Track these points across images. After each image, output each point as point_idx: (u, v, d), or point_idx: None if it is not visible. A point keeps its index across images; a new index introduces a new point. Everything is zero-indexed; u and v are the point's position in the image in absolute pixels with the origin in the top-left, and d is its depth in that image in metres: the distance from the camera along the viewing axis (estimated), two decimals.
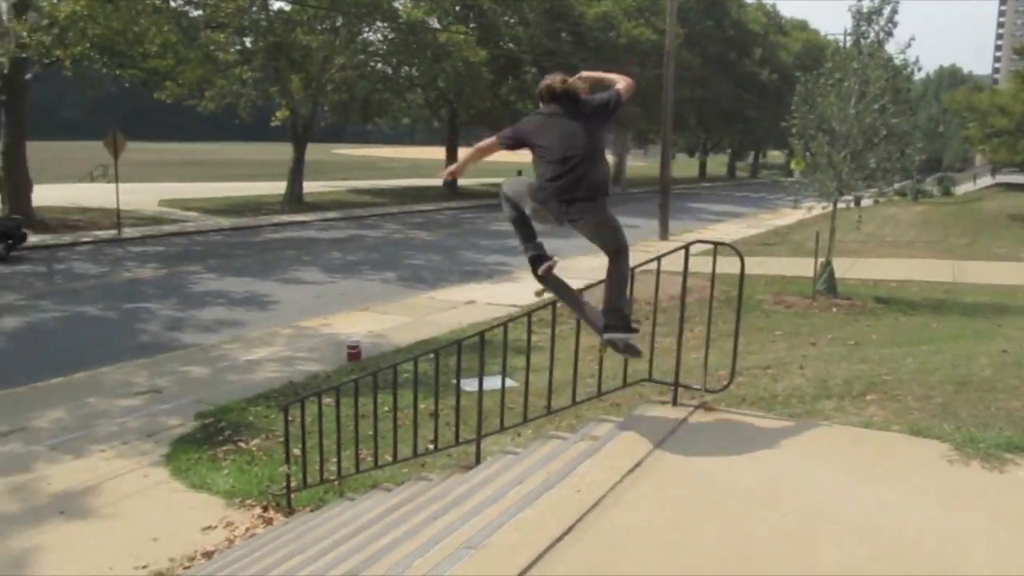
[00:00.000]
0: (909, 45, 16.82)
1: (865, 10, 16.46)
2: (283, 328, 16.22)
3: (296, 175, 43.46)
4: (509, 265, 24.77)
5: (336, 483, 8.04)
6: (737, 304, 6.12)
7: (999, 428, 5.44)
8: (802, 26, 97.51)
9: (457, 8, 52.80)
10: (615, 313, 5.72)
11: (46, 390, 12.31)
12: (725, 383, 6.44)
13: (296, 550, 6.06)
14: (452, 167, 6.68)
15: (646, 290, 6.40)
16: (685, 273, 6.09)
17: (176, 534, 7.75)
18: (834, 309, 15.69)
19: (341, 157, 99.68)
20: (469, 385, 8.06)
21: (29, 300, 19.29)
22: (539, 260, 6.12)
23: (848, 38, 17.66)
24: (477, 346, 6.88)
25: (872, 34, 16.41)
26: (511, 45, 55.11)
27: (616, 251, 5.83)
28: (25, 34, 27.66)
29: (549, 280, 6.14)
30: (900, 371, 8.34)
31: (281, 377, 12.63)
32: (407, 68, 49.75)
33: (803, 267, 19.15)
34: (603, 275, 6.00)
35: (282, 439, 9.29)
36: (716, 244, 6.14)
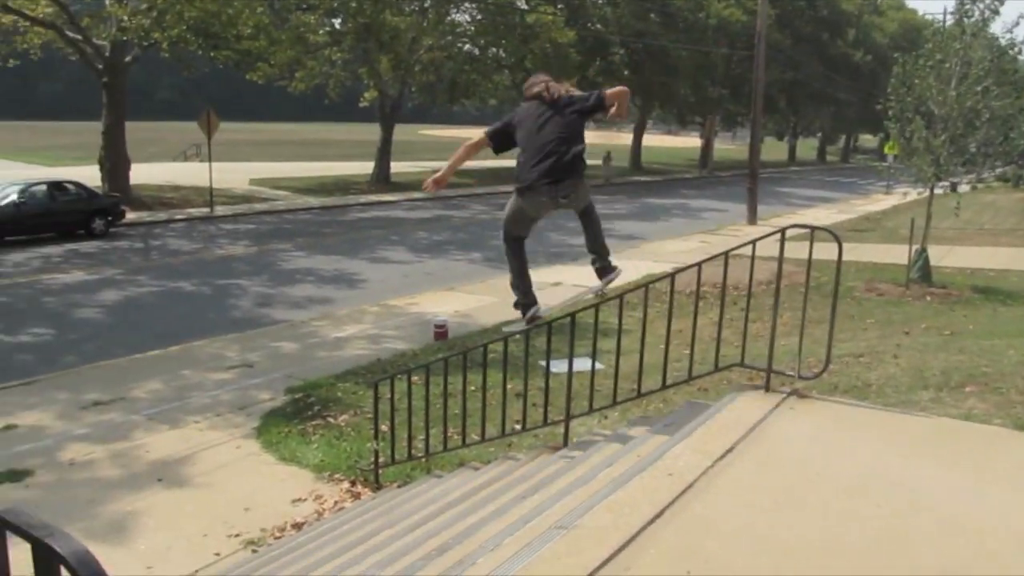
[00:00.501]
0: (1017, 24, 16.17)
1: None
2: (371, 306, 16.43)
3: (384, 155, 43.89)
4: None
5: (423, 460, 8.12)
6: (834, 290, 6.01)
7: None
8: (898, 5, 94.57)
9: None
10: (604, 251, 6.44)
11: (143, 362, 12.68)
12: (819, 370, 6.32)
13: (384, 524, 6.14)
14: (437, 174, 6.62)
15: (734, 275, 6.29)
16: (781, 258, 5.98)
17: (267, 505, 7.91)
18: (928, 298, 15.28)
19: (428, 138, 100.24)
20: (556, 366, 8.06)
21: (127, 275, 19.88)
22: (525, 309, 6.56)
23: (950, 17, 17.09)
24: (563, 327, 6.87)
25: (976, 13, 15.83)
26: (599, 26, 54.68)
27: (589, 207, 6.38)
28: (125, 18, 28.43)
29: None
30: (1001, 363, 8.10)
31: (369, 354, 12.79)
32: (494, 49, 49.76)
33: (896, 254, 18.68)
34: (689, 258, 6.03)
35: (370, 415, 9.42)
36: (813, 229, 6.01)
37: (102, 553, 2.47)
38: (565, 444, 6.80)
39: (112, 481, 8.46)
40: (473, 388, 8.00)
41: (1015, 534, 4.04)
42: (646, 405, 8.54)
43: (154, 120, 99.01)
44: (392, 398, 7.94)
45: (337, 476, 8.41)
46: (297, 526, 7.46)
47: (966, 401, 6.25)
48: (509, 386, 7.81)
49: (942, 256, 19.48)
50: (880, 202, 39.50)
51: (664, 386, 6.65)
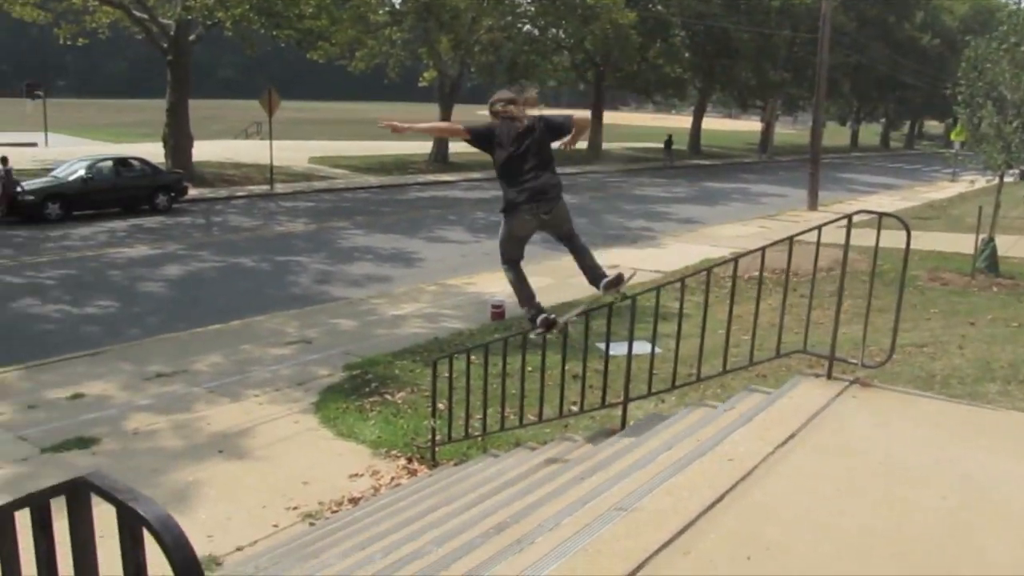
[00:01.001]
0: None
1: None
2: (428, 285, 16.51)
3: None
4: (653, 231, 24.57)
5: (480, 439, 8.15)
6: (900, 278, 5.91)
7: None
8: None
9: None
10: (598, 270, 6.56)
11: (205, 336, 12.88)
12: (882, 359, 6.22)
13: (441, 501, 6.18)
14: (403, 124, 6.56)
15: (793, 261, 6.21)
16: (847, 244, 5.91)
17: (324, 479, 8.00)
18: (995, 289, 14.94)
19: (486, 118, 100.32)
20: (614, 349, 8.03)
21: (189, 250, 20.19)
22: (536, 316, 6.75)
23: None
24: (622, 310, 6.84)
25: None
26: (660, 7, 54.11)
27: (572, 232, 6.65)
28: None
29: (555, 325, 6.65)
30: None
31: (426, 333, 12.86)
32: (554, 30, 49.52)
33: (962, 243, 18.31)
34: (748, 243, 6.05)
35: (427, 393, 9.47)
36: (881, 215, 5.91)
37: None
38: (623, 427, 6.79)
39: (174, 451, 8.62)
40: (531, 369, 8.01)
41: None
42: (704, 390, 8.48)
43: (216, 98, 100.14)
44: (450, 377, 7.97)
45: (394, 453, 8.48)
46: (354, 501, 7.54)
47: None
48: (566, 367, 7.80)
49: (1010, 246, 19.03)
50: (945, 190, 38.69)
51: (724, 371, 6.60)
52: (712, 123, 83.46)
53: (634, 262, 18.63)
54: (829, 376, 5.99)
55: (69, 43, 33.98)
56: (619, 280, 6.43)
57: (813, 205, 29.89)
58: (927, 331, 11.48)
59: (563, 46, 51.90)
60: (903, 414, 5.46)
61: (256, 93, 33.92)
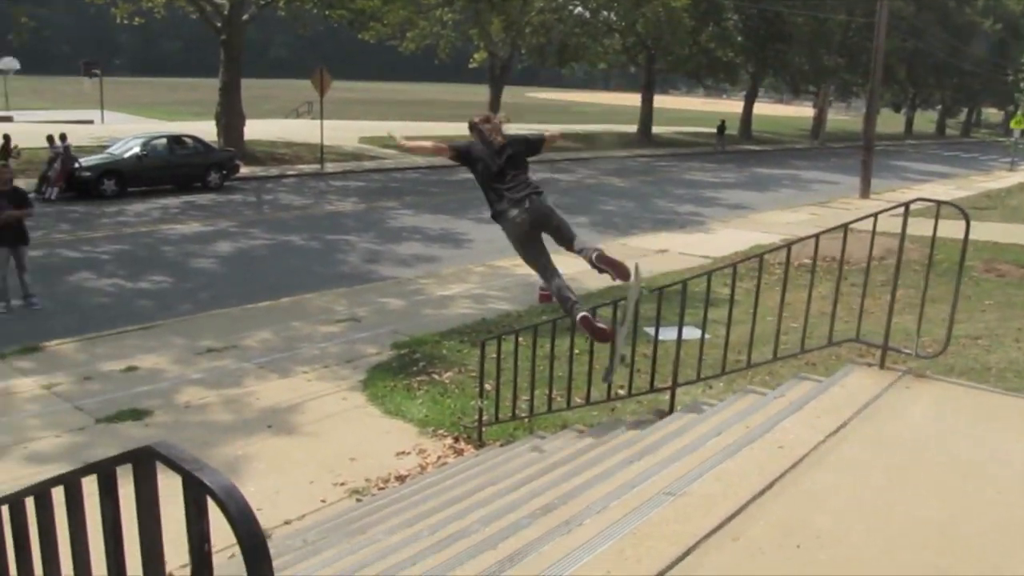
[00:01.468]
0: None
1: None
2: (476, 266, 16.54)
3: None
4: (702, 216, 24.39)
5: (526, 420, 8.17)
6: (959, 268, 5.81)
7: None
8: None
9: None
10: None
11: (255, 312, 13.03)
12: (937, 350, 6.13)
13: (487, 481, 6.20)
14: (411, 143, 7.49)
15: (847, 249, 6.12)
16: (903, 232, 5.83)
17: (371, 456, 8.06)
18: None
19: (535, 100, 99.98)
20: (662, 334, 7.99)
21: (240, 227, 20.42)
22: (573, 309, 6.97)
23: None
24: (671, 295, 6.81)
25: None
26: None
27: (572, 235, 6.78)
28: None
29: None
30: None
31: (474, 314, 12.89)
32: (606, 13, 49.22)
33: (1019, 234, 18.00)
34: (798, 229, 6.05)
35: (474, 374, 9.51)
36: (939, 203, 5.81)
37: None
38: (671, 411, 6.77)
39: (224, 425, 8.75)
40: (578, 351, 7.99)
41: None
42: (752, 376, 8.43)
43: (268, 78, 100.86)
44: (498, 358, 7.98)
45: (441, 432, 8.52)
46: (401, 478, 7.60)
47: None
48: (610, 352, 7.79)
49: None
50: (1003, 179, 37.94)
51: (775, 357, 6.54)
52: (763, 108, 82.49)
53: (683, 247, 18.57)
54: (882, 366, 5.92)
55: (126, 22, 34.42)
56: (617, 266, 6.49)
57: (865, 193, 29.47)
58: (982, 323, 11.29)
59: (614, 28, 51.56)
60: (958, 406, 5.39)
61: (307, 73, 34.11)
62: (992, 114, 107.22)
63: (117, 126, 44.95)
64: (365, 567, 4.67)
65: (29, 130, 33.02)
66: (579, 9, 48.36)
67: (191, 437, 8.34)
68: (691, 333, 7.86)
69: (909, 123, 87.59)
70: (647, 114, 53.80)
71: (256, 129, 37.76)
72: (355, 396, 9.59)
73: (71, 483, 2.03)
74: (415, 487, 7.03)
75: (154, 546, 1.80)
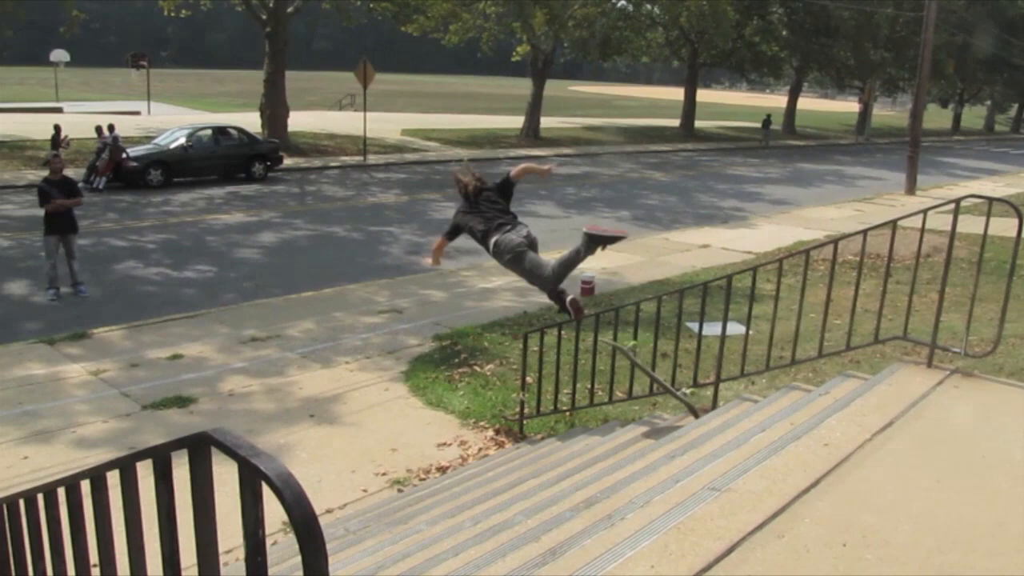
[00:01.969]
0: None
1: None
2: None
3: (534, 110, 43.89)
4: (745, 211, 24.20)
5: (568, 414, 8.16)
6: (1010, 266, 5.71)
7: None
8: None
9: None
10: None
11: (298, 302, 13.13)
12: (986, 349, 6.03)
13: (529, 474, 6.20)
14: (435, 250, 7.97)
15: (887, 246, 6.04)
16: (953, 229, 5.75)
17: (413, 447, 8.09)
18: None
19: (577, 94, 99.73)
20: (705, 329, 7.96)
21: (284, 218, 20.57)
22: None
23: None
24: (709, 289, 6.76)
25: None
26: None
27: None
28: None
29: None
30: None
31: (515, 307, 12.88)
32: (649, 6, 48.91)
33: None
34: (842, 226, 5.96)
35: (515, 366, 9.53)
36: (991, 200, 5.71)
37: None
38: (714, 406, 6.72)
39: (267, 414, 8.82)
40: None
41: None
42: (795, 373, 8.36)
43: (312, 70, 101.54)
44: (541, 350, 7.98)
45: (482, 424, 8.54)
46: (442, 469, 7.62)
47: None
48: (654, 346, 7.77)
49: None
50: None
51: (820, 354, 6.48)
52: (807, 103, 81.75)
53: (725, 242, 18.45)
54: (929, 364, 5.83)
55: (173, 15, 34.77)
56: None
57: (911, 189, 29.06)
58: None
59: (657, 22, 51.27)
60: (1007, 406, 5.30)
61: (350, 65, 34.28)
62: None
63: (163, 117, 45.47)
64: (407, 557, 4.68)
65: (78, 121, 33.51)
66: (622, 2, 48.10)
67: (234, 425, 8.41)
68: (733, 329, 7.80)
69: (957, 119, 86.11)
70: (690, 108, 53.43)
71: (299, 121, 37.99)
72: (397, 387, 9.63)
73: (126, 467, 2.05)
74: (456, 478, 7.04)
75: (208, 530, 1.82)
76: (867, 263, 10.90)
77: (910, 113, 32.79)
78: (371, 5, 34.25)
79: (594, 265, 15.45)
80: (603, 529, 3.91)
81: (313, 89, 70.30)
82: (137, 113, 48.35)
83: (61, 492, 2.55)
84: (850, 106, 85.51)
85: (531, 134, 43.41)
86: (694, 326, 9.22)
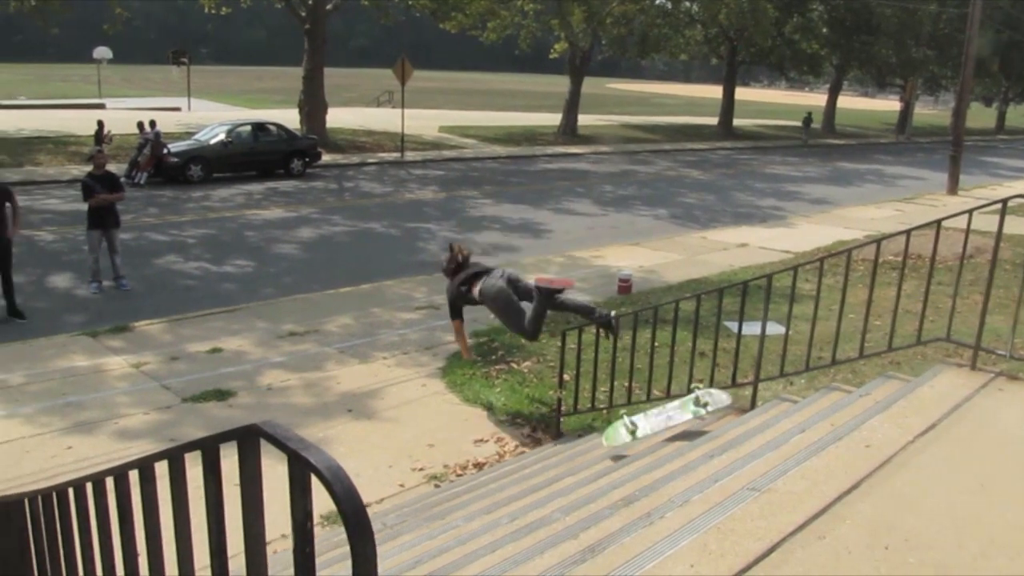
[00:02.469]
0: None
1: None
2: (555, 256, 16.53)
3: (571, 107, 43.82)
4: (784, 210, 24.02)
5: (605, 412, 8.13)
6: None
7: None
8: None
9: None
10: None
11: (336, 298, 13.20)
12: None
13: (566, 471, 6.20)
14: (464, 348, 9.29)
15: (929, 246, 5.97)
16: (1000, 229, 5.67)
17: (450, 442, 8.11)
18: None
19: (615, 91, 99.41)
20: (744, 328, 7.90)
21: (322, 214, 20.70)
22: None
23: None
24: (748, 289, 6.71)
25: None
26: None
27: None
28: None
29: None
30: None
31: None
32: (688, 3, 48.68)
33: None
34: (882, 226, 5.93)
35: (552, 364, 9.53)
36: None
37: None
38: (752, 406, 6.68)
39: (305, 408, 8.87)
40: (658, 344, 7.95)
41: None
42: (834, 374, 8.28)
43: (349, 67, 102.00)
44: (579, 348, 7.96)
45: (519, 421, 8.54)
46: (479, 465, 7.63)
47: None
48: (689, 344, 7.72)
49: None
50: None
51: (861, 355, 6.41)
52: (847, 101, 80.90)
53: (763, 241, 18.32)
54: (973, 367, 5.76)
55: (213, 12, 35.08)
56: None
57: (953, 189, 28.67)
58: None
59: (696, 19, 51.00)
60: None
61: (388, 62, 34.40)
62: None
63: (203, 113, 45.92)
64: (444, 552, 4.70)
65: (119, 117, 33.93)
66: (660, 0, 47.90)
67: (273, 419, 8.42)
68: (771, 329, 7.74)
69: (1001, 118, 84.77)
70: (728, 106, 53.09)
71: (338, 117, 38.18)
72: (434, 383, 9.66)
73: (175, 458, 2.08)
74: (493, 475, 7.06)
75: (256, 522, 1.84)
76: (908, 263, 10.77)
77: (953, 112, 32.42)
78: (409, 3, 34.37)
79: (631, 263, 15.46)
80: (642, 527, 3.90)
81: (351, 86, 70.69)
82: (177, 109, 48.86)
83: (110, 481, 2.59)
84: (891, 104, 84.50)
85: (569, 132, 43.36)
86: (732, 325, 9.18)
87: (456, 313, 8.79)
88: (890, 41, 53.16)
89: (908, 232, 6.11)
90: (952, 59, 52.63)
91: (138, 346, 10.58)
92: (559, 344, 8.41)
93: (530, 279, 8.37)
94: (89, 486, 2.82)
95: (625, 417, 6.77)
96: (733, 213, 23.20)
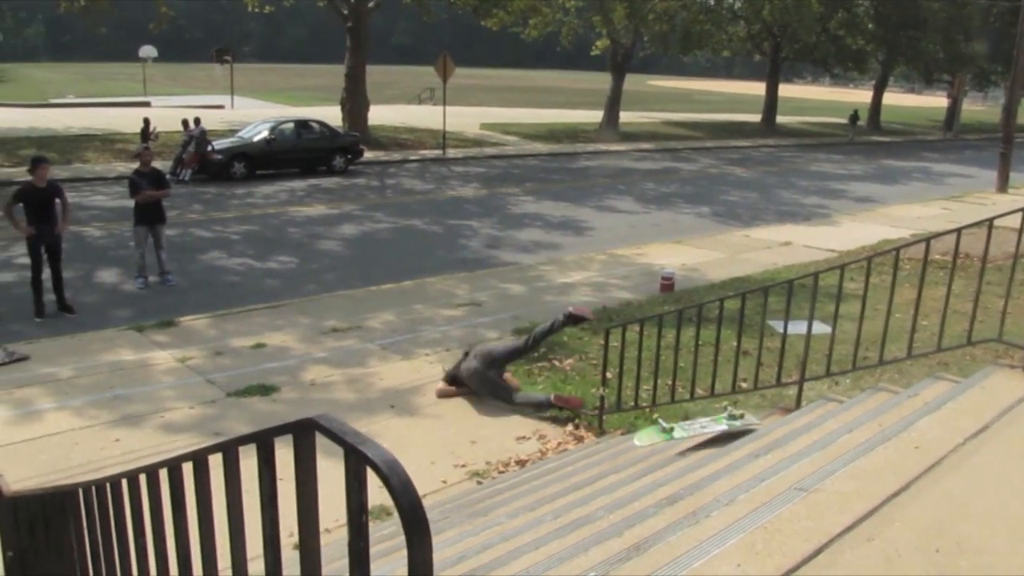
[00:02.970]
0: None
1: None
2: (597, 254, 16.50)
3: (613, 104, 43.65)
4: (828, 208, 23.78)
5: (647, 410, 8.09)
6: None
7: None
8: None
9: None
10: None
11: (378, 294, 13.27)
12: None
13: (610, 469, 6.18)
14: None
15: (976, 245, 5.87)
16: None
17: (492, 440, 8.11)
18: None
19: (656, 88, 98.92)
20: (789, 327, 7.84)
21: (364, 211, 20.83)
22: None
23: None
24: (797, 289, 6.66)
25: None
26: None
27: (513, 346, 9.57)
28: None
29: None
30: None
31: (594, 302, 12.80)
32: None
33: None
34: (929, 224, 5.79)
35: (594, 362, 9.50)
36: None
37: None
38: (797, 406, 6.62)
39: (348, 403, 8.92)
40: (702, 343, 7.89)
41: None
42: (880, 374, 8.18)
43: (390, 64, 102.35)
44: (622, 346, 7.93)
45: (561, 418, 8.53)
46: (521, 463, 7.62)
47: None
48: (734, 343, 7.66)
49: None
50: None
51: (909, 355, 6.32)
52: (893, 98, 79.74)
53: (807, 239, 18.16)
54: None
55: (256, 11, 35.36)
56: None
57: (1003, 187, 28.20)
58: None
59: (739, 16, 50.53)
60: None
61: (429, 60, 34.49)
62: None
63: (246, 111, 46.35)
64: (488, 548, 4.70)
65: (164, 115, 34.30)
66: None
67: (316, 414, 8.51)
68: (816, 328, 7.67)
69: None
70: (771, 103, 52.61)
71: (379, 114, 38.31)
72: None
73: (229, 450, 2.10)
74: (535, 472, 7.05)
75: (311, 515, 1.85)
76: (956, 263, 10.59)
77: (1003, 108, 31.81)
78: (451, 0, 34.39)
79: (674, 261, 15.38)
80: (687, 526, 3.88)
81: (392, 83, 70.89)
82: (221, 107, 49.31)
83: (163, 473, 2.62)
84: (938, 101, 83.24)
85: (610, 128, 43.19)
86: (775, 324, 9.09)
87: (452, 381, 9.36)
88: (938, 36, 52.30)
89: (958, 231, 6.02)
90: (1003, 54, 51.60)
91: (183, 341, 10.71)
92: (602, 342, 8.39)
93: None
94: (143, 477, 2.86)
95: (660, 421, 6.75)
96: (776, 211, 23.01)
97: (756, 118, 54.14)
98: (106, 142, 30.62)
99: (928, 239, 6.27)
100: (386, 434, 8.17)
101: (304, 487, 1.84)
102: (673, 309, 8.14)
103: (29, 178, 11.80)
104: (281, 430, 1.92)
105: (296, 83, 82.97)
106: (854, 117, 50.21)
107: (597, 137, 41.60)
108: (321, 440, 1.84)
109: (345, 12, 32.28)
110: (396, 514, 5.14)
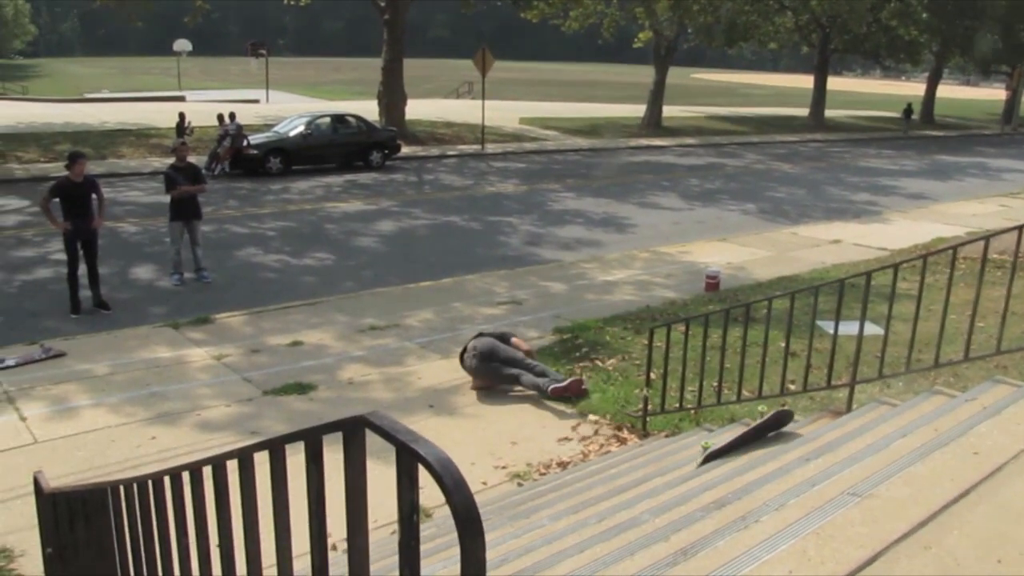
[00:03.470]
0: None
1: None
2: (640, 252, 16.33)
3: (656, 98, 43.32)
4: (879, 205, 23.42)
5: (693, 412, 7.96)
6: None
7: None
8: None
9: None
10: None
11: (416, 292, 13.21)
12: None
13: (655, 472, 6.07)
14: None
15: None
16: None
17: (533, 440, 7.98)
18: None
19: (700, 82, 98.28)
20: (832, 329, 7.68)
21: (402, 207, 20.82)
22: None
23: None
24: (842, 287, 6.51)
25: None
26: None
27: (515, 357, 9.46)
28: None
29: None
30: None
31: (637, 301, 12.67)
32: None
33: None
34: (984, 222, 5.60)
35: (638, 362, 9.39)
36: None
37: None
38: (848, 409, 6.47)
39: (386, 403, 8.83)
40: (750, 343, 7.75)
41: None
42: (935, 377, 7.99)
43: (427, 57, 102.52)
44: (667, 346, 7.80)
45: (604, 419, 8.40)
46: (562, 464, 7.49)
47: None
48: (782, 344, 7.52)
49: None
50: None
51: (966, 357, 6.15)
52: (947, 90, 78.41)
53: (857, 237, 17.90)
54: None
55: (291, 4, 35.48)
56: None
57: None
58: None
59: (787, 6, 49.70)
60: None
61: (467, 53, 34.38)
62: None
63: (282, 105, 46.57)
64: (531, 551, 4.62)
65: (199, 109, 34.49)
66: None
67: (353, 413, 8.44)
68: (867, 329, 7.50)
69: None
70: (819, 97, 51.80)
71: (417, 109, 38.31)
72: None
73: (275, 448, 2.07)
74: (578, 474, 6.94)
75: (359, 515, 1.83)
76: (1009, 262, 10.37)
77: None
78: None
79: (719, 260, 15.21)
80: (736, 531, 3.78)
81: (430, 77, 70.94)
82: (256, 101, 49.63)
83: (207, 470, 2.59)
84: (995, 93, 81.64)
85: (653, 123, 42.87)
86: (824, 325, 8.91)
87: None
88: (996, 26, 51.00)
89: (1020, 228, 5.83)
90: None
91: (219, 338, 10.72)
92: (645, 342, 8.26)
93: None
94: (186, 475, 2.82)
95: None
96: (825, 208, 22.68)
97: (803, 112, 53.49)
98: (141, 137, 30.89)
99: (987, 237, 6.09)
100: (425, 434, 7.83)
101: (353, 486, 1.81)
102: (719, 308, 7.99)
103: (65, 173, 11.88)
104: (331, 427, 1.88)
105: (332, 77, 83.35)
106: (908, 111, 49.32)
107: (640, 132, 41.35)
108: None
109: (382, 4, 32.25)
110: (435, 516, 5.12)
